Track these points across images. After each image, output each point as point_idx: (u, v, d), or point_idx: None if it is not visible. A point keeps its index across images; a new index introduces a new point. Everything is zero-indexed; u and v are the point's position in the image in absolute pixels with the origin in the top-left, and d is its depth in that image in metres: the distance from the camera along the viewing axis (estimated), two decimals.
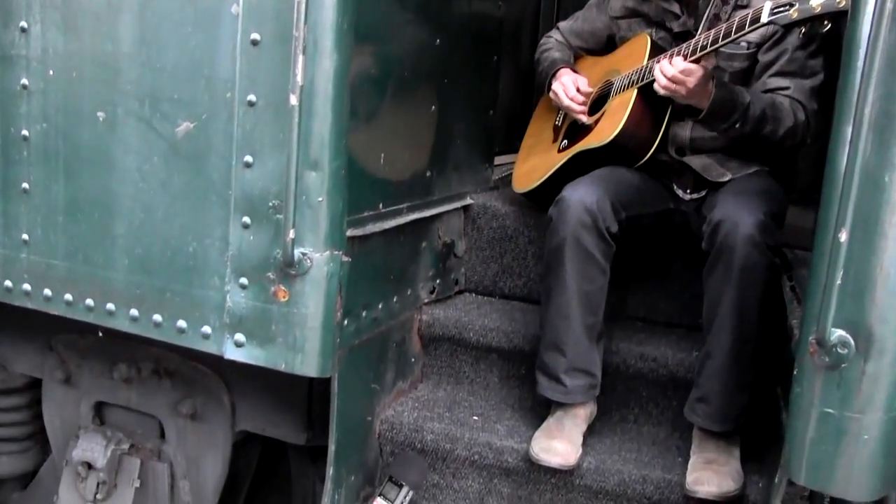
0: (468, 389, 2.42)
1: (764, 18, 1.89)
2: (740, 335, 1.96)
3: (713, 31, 2.02)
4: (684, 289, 2.41)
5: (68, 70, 1.99)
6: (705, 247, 2.03)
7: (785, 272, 2.07)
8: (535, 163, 2.56)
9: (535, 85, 3.18)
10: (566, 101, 2.43)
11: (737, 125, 2.10)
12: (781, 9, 1.87)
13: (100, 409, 2.47)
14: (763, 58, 2.18)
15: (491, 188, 2.78)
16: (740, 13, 2.05)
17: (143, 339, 2.04)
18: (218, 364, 2.20)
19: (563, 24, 2.64)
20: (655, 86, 2.09)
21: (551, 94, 2.49)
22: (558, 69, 2.49)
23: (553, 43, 2.62)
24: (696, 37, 2.08)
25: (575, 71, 2.49)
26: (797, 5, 1.84)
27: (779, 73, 2.16)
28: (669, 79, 2.05)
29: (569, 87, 2.43)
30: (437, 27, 2.29)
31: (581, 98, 2.41)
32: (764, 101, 2.11)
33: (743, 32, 1.96)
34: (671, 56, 2.09)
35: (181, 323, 1.95)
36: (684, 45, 2.09)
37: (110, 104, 1.96)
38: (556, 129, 2.56)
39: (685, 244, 2.34)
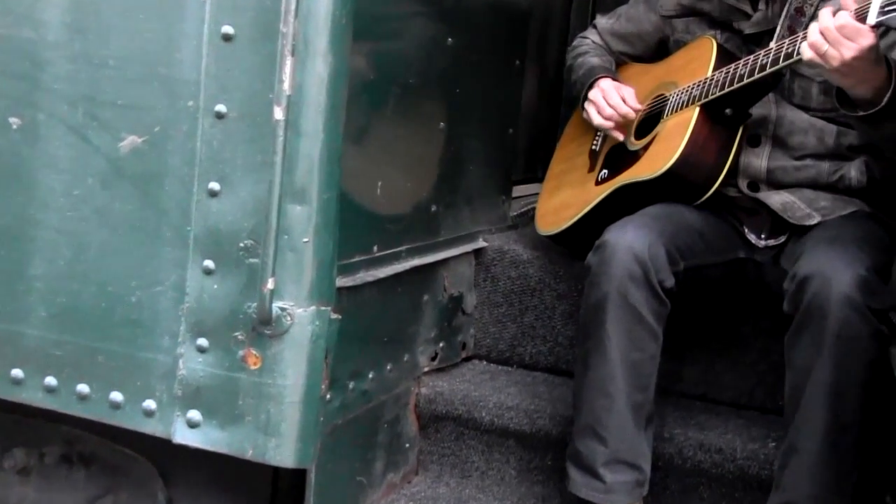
0: (478, 485, 2.40)
1: (871, 19, 1.85)
2: (836, 423, 1.96)
3: (801, 34, 2.00)
4: (756, 360, 2.42)
5: None
6: (788, 309, 2.03)
7: (892, 342, 2.08)
8: (565, 197, 2.58)
9: (563, 96, 3.24)
10: (607, 110, 2.44)
11: None
12: (895, 6, 1.81)
13: None
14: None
15: (509, 227, 2.80)
16: (830, 5, 2.04)
17: (51, 415, 2.00)
18: (151, 448, 2.17)
19: (601, 23, 2.67)
20: (803, 46, 1.95)
21: (587, 105, 2.51)
22: (598, 78, 2.51)
23: (589, 45, 2.65)
24: (781, 41, 2.09)
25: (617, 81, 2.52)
26: None
27: None
28: (823, 29, 1.88)
29: (610, 94, 2.45)
30: (450, 22, 2.33)
31: (626, 108, 2.43)
32: None
33: None
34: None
35: (116, 396, 1.93)
36: (762, 53, 2.12)
37: (29, 107, 1.95)
38: (594, 155, 2.58)
39: (757, 303, 2.36)
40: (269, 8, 1.77)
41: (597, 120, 2.48)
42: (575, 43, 2.71)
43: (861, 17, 1.86)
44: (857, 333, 1.93)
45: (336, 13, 1.76)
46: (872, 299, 1.95)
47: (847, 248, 2.03)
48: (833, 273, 1.95)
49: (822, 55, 1.91)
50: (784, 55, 2.05)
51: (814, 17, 2.14)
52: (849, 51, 1.88)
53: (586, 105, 2.51)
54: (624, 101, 2.44)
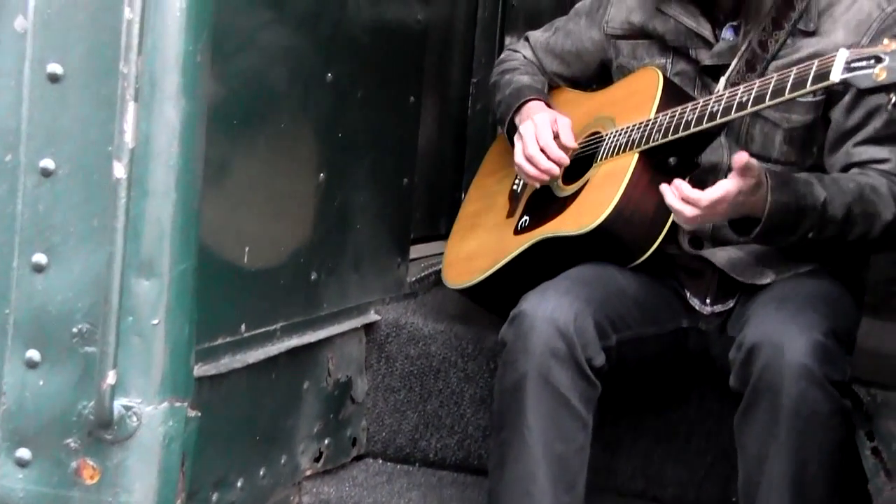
0: None
1: (835, 76, 1.95)
2: None
3: (757, 83, 2.09)
4: (703, 448, 2.46)
5: None
6: (735, 384, 2.09)
7: (860, 425, 2.13)
8: (479, 244, 2.61)
9: (468, 136, 3.29)
10: (530, 149, 2.41)
11: (809, 235, 2.16)
12: (862, 63, 1.92)
13: None
14: (844, 121, 2.26)
15: (406, 295, 2.81)
16: (800, 45, 2.17)
17: None
18: None
19: (535, 36, 2.69)
20: (675, 218, 2.17)
21: (516, 139, 2.50)
22: (527, 101, 2.53)
23: (520, 61, 2.66)
24: (735, 88, 2.15)
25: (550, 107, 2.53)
26: (886, 62, 1.89)
27: (871, 140, 2.24)
28: (692, 218, 2.13)
29: (542, 130, 2.45)
30: (329, 53, 2.36)
31: (558, 153, 2.42)
32: (848, 193, 2.16)
33: (801, 92, 2.03)
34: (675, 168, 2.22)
35: None
36: (713, 98, 2.17)
37: None
38: (514, 197, 2.60)
39: (702, 380, 2.41)
40: (106, 43, 1.78)
41: (518, 159, 2.46)
42: (503, 56, 2.74)
43: (824, 72, 1.98)
44: (816, 410, 1.99)
45: (189, 48, 1.78)
46: (833, 369, 2.02)
47: (801, 310, 2.10)
48: (785, 339, 2.01)
49: (701, 222, 2.18)
50: (737, 104, 2.11)
51: (776, 56, 2.25)
52: (722, 208, 2.13)
53: (515, 139, 2.51)
54: (556, 135, 2.43)
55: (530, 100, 2.53)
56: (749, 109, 2.09)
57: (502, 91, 2.60)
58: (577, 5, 2.63)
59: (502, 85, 2.62)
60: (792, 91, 2.02)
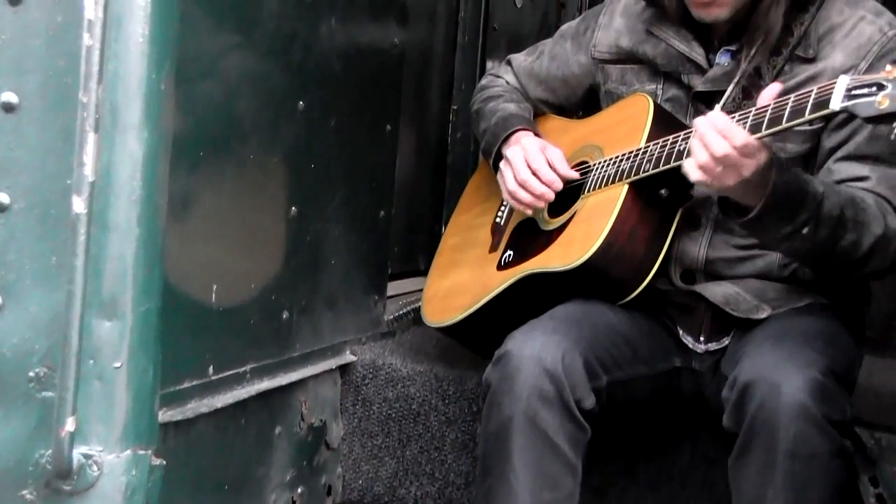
0: None
1: (835, 104, 1.95)
2: None
3: (752, 111, 2.09)
4: (697, 495, 2.46)
5: None
6: (729, 424, 2.09)
7: (864, 470, 2.13)
8: (460, 279, 2.61)
9: (448, 165, 3.30)
10: (522, 174, 2.41)
11: (804, 230, 2.13)
12: (864, 91, 1.92)
13: None
14: (828, 140, 2.29)
15: (384, 335, 2.81)
16: (798, 71, 2.19)
17: None
18: None
19: (518, 60, 2.70)
20: (686, 166, 2.10)
21: (502, 165, 2.51)
22: (516, 131, 2.52)
23: (503, 87, 2.67)
24: (730, 116, 2.11)
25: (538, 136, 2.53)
26: (889, 89, 1.89)
27: (852, 157, 2.26)
28: (719, 159, 2.04)
29: (533, 154, 2.45)
30: (301, 81, 2.37)
31: (551, 175, 2.41)
32: (842, 195, 2.16)
33: (799, 121, 2.02)
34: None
35: None
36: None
37: None
38: (497, 231, 2.62)
39: (696, 424, 2.42)
40: (65, 70, 1.77)
41: (510, 185, 2.46)
42: (484, 82, 2.74)
43: (823, 100, 1.97)
44: (815, 451, 2.00)
45: (152, 77, 1.78)
46: (832, 409, 2.02)
47: (798, 347, 2.10)
48: (782, 378, 2.01)
49: (714, 179, 2.07)
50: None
51: (776, 77, 2.25)
52: (750, 168, 2.04)
53: (502, 166, 2.51)
54: (550, 164, 2.43)
55: (518, 129, 2.52)
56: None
57: (487, 119, 2.60)
58: (561, 28, 2.65)
59: (486, 113, 2.62)
60: (790, 120, 2.02)
